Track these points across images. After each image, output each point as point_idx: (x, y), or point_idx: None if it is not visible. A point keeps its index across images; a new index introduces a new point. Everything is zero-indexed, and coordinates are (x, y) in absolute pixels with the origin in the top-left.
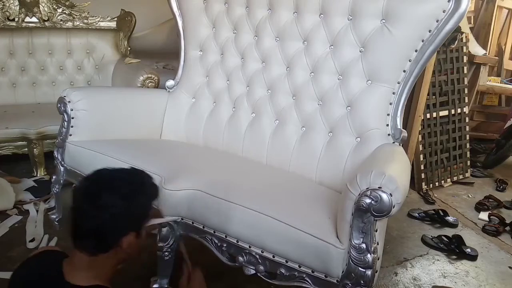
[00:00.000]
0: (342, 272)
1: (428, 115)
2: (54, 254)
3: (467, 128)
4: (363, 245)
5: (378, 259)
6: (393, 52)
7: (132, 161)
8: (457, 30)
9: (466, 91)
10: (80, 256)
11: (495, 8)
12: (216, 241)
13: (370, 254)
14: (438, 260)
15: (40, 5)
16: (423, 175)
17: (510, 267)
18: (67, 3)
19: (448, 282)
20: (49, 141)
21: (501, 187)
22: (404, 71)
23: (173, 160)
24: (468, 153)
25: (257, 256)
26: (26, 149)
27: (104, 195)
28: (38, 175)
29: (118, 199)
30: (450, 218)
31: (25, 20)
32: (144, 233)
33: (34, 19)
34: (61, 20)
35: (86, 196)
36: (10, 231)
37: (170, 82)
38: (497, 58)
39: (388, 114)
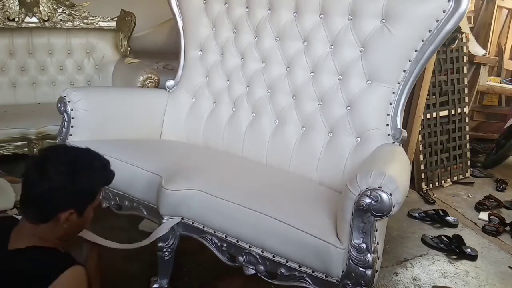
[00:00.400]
0: (342, 272)
1: (428, 115)
2: (11, 220)
3: (467, 128)
4: (363, 245)
5: (378, 259)
6: (393, 52)
7: (132, 161)
8: (457, 30)
9: (466, 91)
10: (24, 224)
11: (495, 8)
12: (216, 241)
13: (370, 254)
14: (438, 260)
15: (40, 5)
16: (423, 175)
17: (510, 267)
18: (67, 3)
19: (448, 282)
20: (49, 141)
21: (501, 187)
22: (404, 71)
23: (173, 160)
24: (468, 153)
25: (257, 256)
26: (26, 149)
27: (49, 168)
28: None
29: (60, 174)
30: (450, 218)
31: (25, 20)
32: (89, 214)
33: (34, 19)
34: (61, 20)
35: (35, 165)
36: None
37: (170, 82)
38: (497, 58)
39: (388, 114)
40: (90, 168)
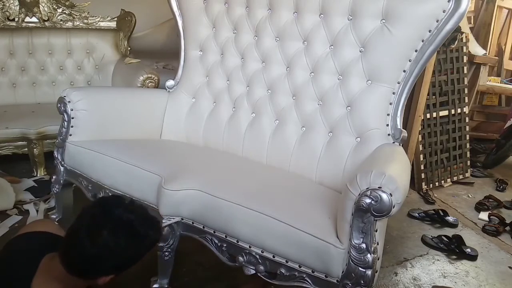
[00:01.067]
0: (342, 272)
1: (428, 115)
2: (48, 238)
3: (467, 128)
4: (363, 245)
5: (378, 259)
6: (393, 52)
7: (132, 161)
8: (457, 30)
9: (466, 91)
10: (58, 264)
11: (495, 8)
12: (216, 241)
13: (370, 254)
14: (438, 260)
15: (40, 5)
16: (423, 175)
17: (510, 267)
18: (67, 3)
19: (448, 282)
20: (49, 141)
21: (501, 187)
22: (404, 71)
23: (173, 160)
24: (468, 153)
25: (257, 256)
26: (26, 149)
27: (103, 234)
28: (38, 175)
29: (114, 244)
30: (450, 218)
31: (25, 20)
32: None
33: (34, 19)
34: (61, 20)
35: (88, 224)
36: (10, 231)
37: (170, 82)
38: (497, 58)
39: (388, 114)
40: (146, 238)
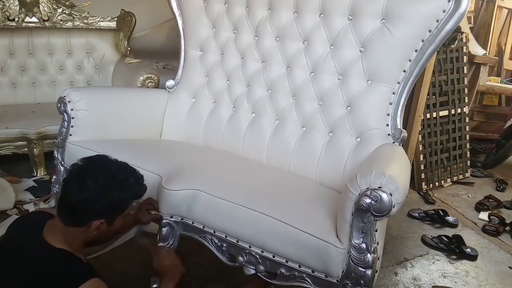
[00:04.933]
0: (342, 272)
1: (428, 115)
2: (45, 215)
3: (467, 128)
4: (363, 245)
5: (378, 259)
6: (393, 52)
7: (132, 161)
8: (457, 30)
9: (466, 91)
10: (58, 222)
11: (495, 8)
12: (216, 241)
13: (370, 254)
14: (438, 260)
15: (40, 5)
16: (423, 175)
17: (510, 267)
18: (67, 3)
19: (448, 282)
20: (49, 141)
21: (501, 187)
22: (404, 71)
23: (173, 160)
24: (468, 153)
25: (257, 256)
26: (26, 149)
27: (88, 180)
28: (38, 175)
29: (97, 187)
30: (450, 218)
31: (25, 20)
32: (117, 223)
33: (34, 19)
34: (61, 20)
35: (75, 174)
36: None
37: (170, 82)
38: (497, 58)
39: (388, 114)
40: (126, 183)
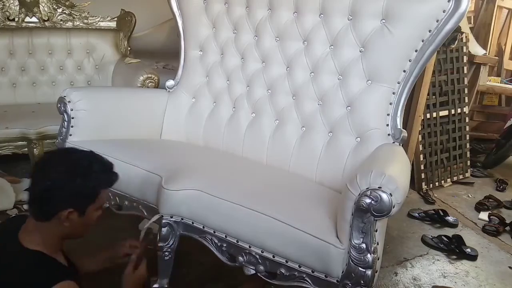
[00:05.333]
0: (342, 272)
1: (428, 115)
2: (25, 218)
3: (467, 128)
4: (363, 245)
5: (378, 259)
6: (393, 52)
7: (132, 161)
8: (457, 30)
9: (466, 91)
10: (31, 220)
11: (495, 8)
12: (216, 241)
13: (370, 254)
14: (438, 260)
15: (40, 5)
16: (423, 175)
17: (510, 267)
18: (67, 3)
19: (448, 282)
20: (49, 141)
21: (501, 187)
22: (404, 71)
23: (173, 160)
24: (468, 153)
25: (257, 256)
26: (26, 149)
27: (49, 168)
28: None
29: (59, 174)
30: (450, 218)
31: (25, 20)
32: (91, 215)
33: (34, 19)
34: (61, 20)
35: (40, 166)
36: None
37: (170, 82)
38: (497, 58)
39: (388, 114)
40: (89, 169)
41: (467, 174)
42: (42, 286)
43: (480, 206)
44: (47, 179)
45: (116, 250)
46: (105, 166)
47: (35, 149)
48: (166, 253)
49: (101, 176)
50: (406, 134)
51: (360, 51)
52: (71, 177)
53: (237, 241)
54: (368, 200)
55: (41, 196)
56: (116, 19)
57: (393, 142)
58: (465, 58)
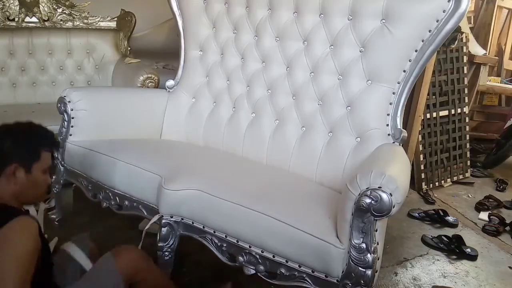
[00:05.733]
0: (342, 272)
1: (428, 115)
2: None
3: (467, 128)
4: (363, 245)
5: (378, 259)
6: (393, 52)
7: (132, 161)
8: (457, 30)
9: (466, 91)
10: None
11: (495, 8)
12: (216, 241)
13: (370, 254)
14: (438, 260)
15: (40, 5)
16: (423, 175)
17: (510, 267)
18: (67, 3)
19: (448, 282)
20: None
21: (501, 187)
22: (404, 71)
23: (173, 160)
24: (468, 153)
25: (257, 256)
26: None
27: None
28: None
29: (5, 132)
30: (450, 218)
31: (25, 20)
32: (38, 174)
33: (34, 19)
34: (61, 20)
35: None
36: None
37: (170, 82)
38: (497, 58)
39: (388, 114)
40: (27, 129)
41: (467, 174)
42: None
43: (480, 206)
44: None
45: None
46: (47, 132)
47: None
48: (166, 253)
49: (43, 137)
50: (406, 134)
51: (360, 51)
52: (9, 135)
53: (237, 241)
54: (368, 200)
55: None
56: (116, 19)
57: (393, 142)
58: (465, 58)
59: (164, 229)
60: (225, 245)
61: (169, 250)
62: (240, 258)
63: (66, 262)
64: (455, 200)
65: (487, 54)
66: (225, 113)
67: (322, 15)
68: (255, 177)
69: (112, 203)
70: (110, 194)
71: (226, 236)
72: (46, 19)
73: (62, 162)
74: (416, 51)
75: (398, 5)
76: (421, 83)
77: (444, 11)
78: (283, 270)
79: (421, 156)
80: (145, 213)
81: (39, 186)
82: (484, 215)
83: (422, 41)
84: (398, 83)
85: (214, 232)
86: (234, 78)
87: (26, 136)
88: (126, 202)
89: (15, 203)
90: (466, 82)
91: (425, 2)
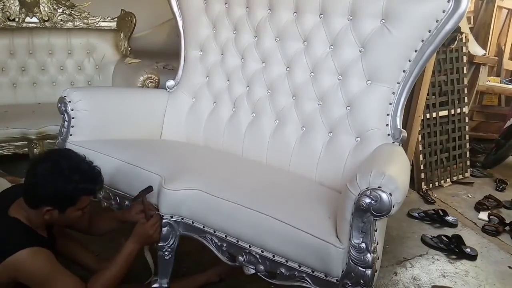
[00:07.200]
0: (342, 271)
1: (428, 115)
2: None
3: (467, 128)
4: (363, 245)
5: (378, 259)
6: (393, 52)
7: (132, 161)
8: (457, 30)
9: (465, 91)
10: (22, 199)
11: (495, 8)
12: (216, 241)
13: (370, 254)
14: (437, 260)
15: (40, 5)
16: (422, 175)
17: (509, 267)
18: (67, 3)
19: (448, 282)
20: (49, 141)
21: (501, 187)
22: (404, 71)
23: (173, 160)
24: (468, 153)
25: (257, 256)
26: (27, 149)
27: (38, 169)
28: None
29: (42, 175)
30: (449, 218)
31: (26, 20)
32: (72, 215)
33: (34, 19)
34: (61, 20)
35: (33, 163)
36: None
37: (170, 82)
38: (496, 58)
39: (388, 114)
40: (69, 176)
41: (467, 174)
42: (15, 246)
43: (479, 206)
44: (33, 176)
45: (129, 209)
46: (89, 175)
47: (35, 149)
48: (166, 252)
49: (82, 184)
50: (405, 134)
51: (360, 51)
52: (52, 180)
53: (237, 241)
54: (368, 200)
55: (27, 189)
56: (116, 19)
57: (393, 142)
58: (465, 58)
59: (164, 229)
60: (225, 244)
61: (169, 250)
62: (240, 258)
63: None
64: (454, 200)
65: (487, 54)
66: (225, 113)
67: (322, 15)
68: (255, 177)
69: (112, 202)
70: (110, 194)
71: (226, 236)
72: (46, 19)
73: None
74: (415, 51)
75: (398, 5)
76: (421, 83)
77: (443, 11)
78: (283, 270)
79: (421, 156)
80: None
81: (73, 222)
82: (483, 215)
83: (422, 41)
84: (398, 83)
85: (214, 232)
86: (234, 78)
87: (66, 184)
88: (126, 202)
89: (40, 226)
90: (465, 82)
91: (425, 2)
